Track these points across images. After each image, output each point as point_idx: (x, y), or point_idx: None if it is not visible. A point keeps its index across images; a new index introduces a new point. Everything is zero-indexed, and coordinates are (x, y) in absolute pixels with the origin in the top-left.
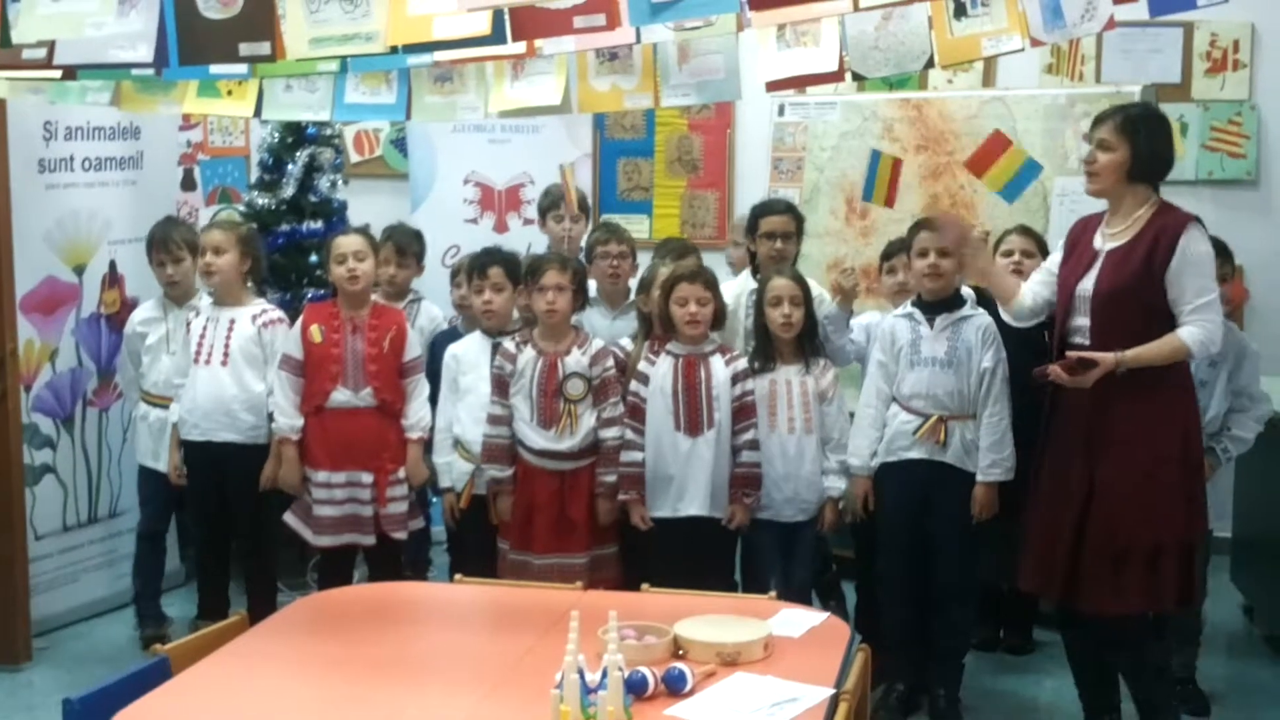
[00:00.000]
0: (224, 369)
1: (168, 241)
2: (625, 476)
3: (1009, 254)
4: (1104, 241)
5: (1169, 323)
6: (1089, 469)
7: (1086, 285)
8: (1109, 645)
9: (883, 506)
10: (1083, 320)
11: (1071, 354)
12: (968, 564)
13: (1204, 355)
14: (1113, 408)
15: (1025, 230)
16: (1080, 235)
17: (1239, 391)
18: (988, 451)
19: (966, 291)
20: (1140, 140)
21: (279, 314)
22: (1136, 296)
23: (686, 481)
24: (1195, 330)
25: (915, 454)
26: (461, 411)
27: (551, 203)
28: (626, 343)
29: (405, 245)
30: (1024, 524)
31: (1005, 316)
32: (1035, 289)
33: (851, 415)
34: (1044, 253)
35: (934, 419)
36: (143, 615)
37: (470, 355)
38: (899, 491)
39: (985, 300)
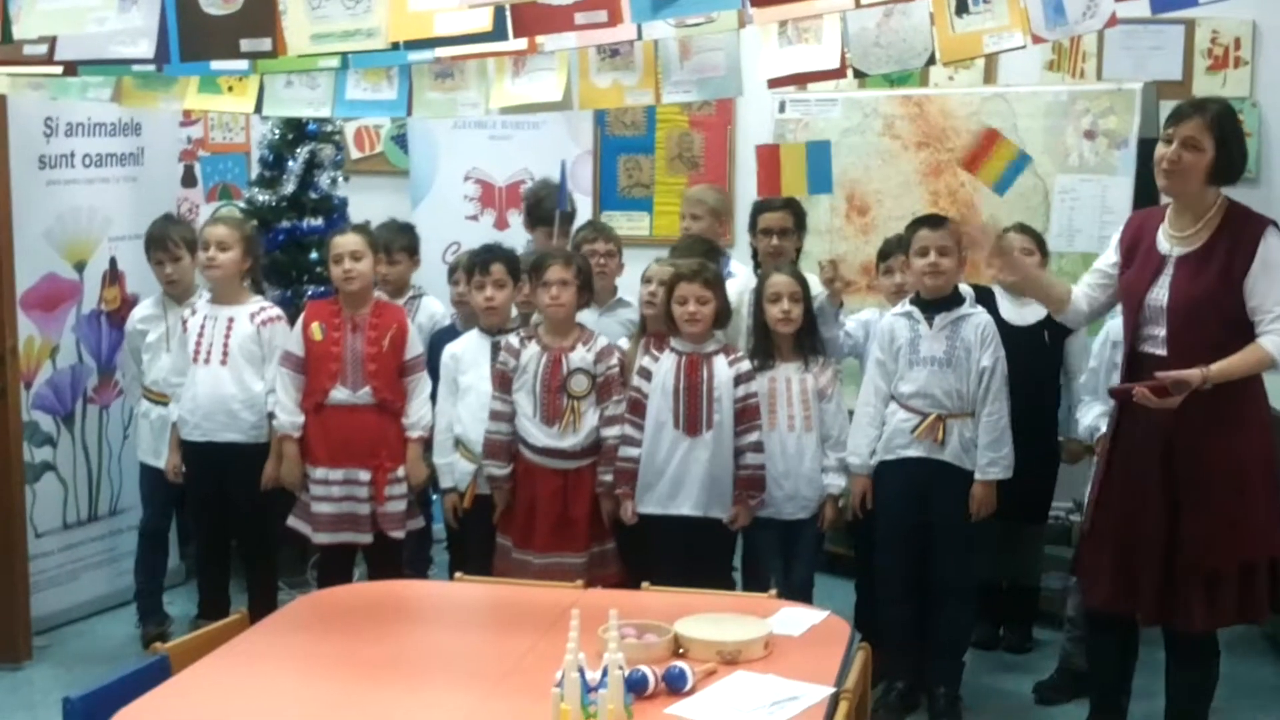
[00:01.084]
0: (223, 368)
1: (165, 240)
2: (620, 471)
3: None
4: (1171, 246)
5: (1248, 331)
6: (1171, 491)
7: (1159, 295)
8: (1183, 661)
9: (881, 504)
10: (1158, 330)
11: (1161, 375)
12: (966, 562)
13: None
14: (1193, 422)
15: (1024, 228)
16: (1139, 236)
17: None
18: (986, 450)
19: (965, 290)
20: (1229, 140)
21: (277, 312)
22: (1215, 306)
23: (681, 480)
24: (1278, 339)
25: (913, 452)
26: (462, 411)
27: (545, 215)
28: (625, 343)
29: (389, 242)
30: (1085, 541)
31: (1062, 320)
32: (1090, 293)
33: (850, 413)
34: (1043, 250)
35: (932, 417)
36: (144, 613)
37: (469, 354)
38: (897, 489)
39: (984, 298)
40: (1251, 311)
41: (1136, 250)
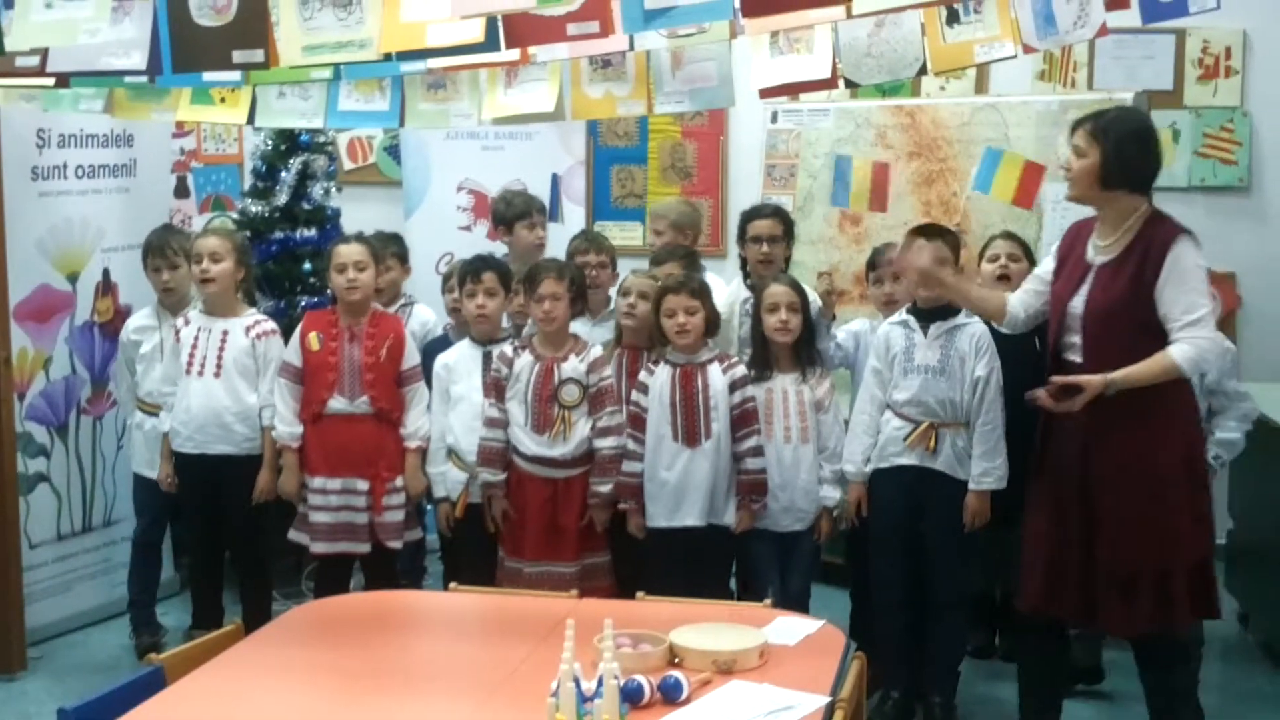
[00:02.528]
0: (217, 380)
1: (164, 248)
2: (624, 486)
3: (995, 259)
4: (1095, 255)
5: (1162, 339)
6: (1089, 494)
7: (1078, 302)
8: (1147, 663)
9: (875, 513)
10: (1075, 338)
11: (1057, 379)
12: (960, 571)
13: (1195, 374)
14: (1111, 430)
15: (1010, 236)
16: (1072, 246)
17: (1214, 390)
18: (980, 460)
19: None
20: (1110, 145)
21: (272, 325)
22: (1128, 313)
23: (684, 492)
24: (1186, 348)
25: (906, 460)
26: (453, 420)
27: (519, 212)
28: (598, 349)
29: (380, 249)
30: (1023, 542)
31: (1000, 329)
32: (1026, 299)
33: (846, 423)
34: (1030, 259)
35: (924, 426)
36: (137, 623)
37: (461, 364)
38: (890, 497)
39: None
40: (1162, 319)
41: (1068, 260)
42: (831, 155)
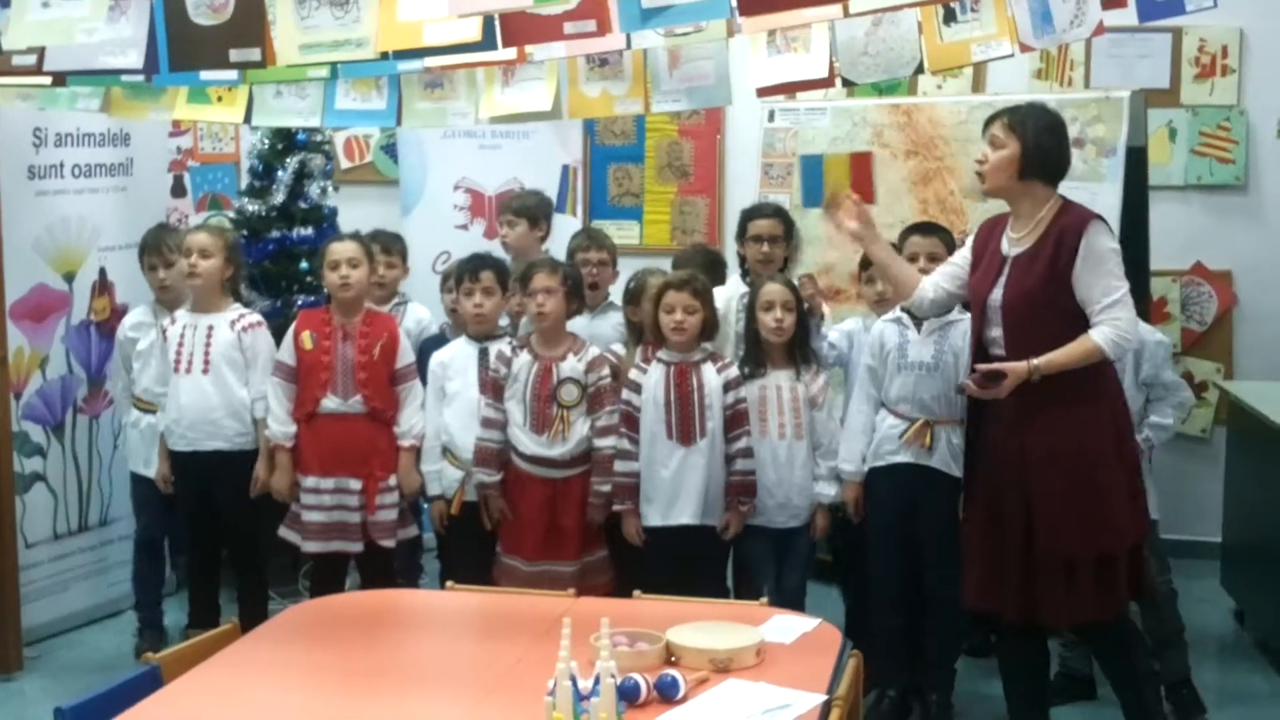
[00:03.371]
0: (205, 377)
1: (160, 245)
2: (620, 486)
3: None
4: (1010, 247)
5: (1080, 324)
6: (1024, 482)
7: (996, 295)
8: (1097, 655)
9: (872, 511)
10: (996, 331)
11: (982, 367)
12: (956, 568)
13: (1119, 354)
14: (1039, 418)
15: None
16: (987, 240)
17: (1150, 382)
18: None
19: None
20: (1029, 136)
21: (257, 317)
22: (1047, 301)
23: (679, 490)
24: (1107, 330)
25: (902, 458)
26: (449, 418)
27: (502, 209)
28: (619, 348)
29: (387, 245)
30: (964, 537)
31: (907, 307)
32: (939, 282)
33: (841, 421)
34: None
35: (920, 422)
36: (144, 623)
37: (457, 361)
38: (887, 496)
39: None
40: (1081, 304)
41: (984, 254)
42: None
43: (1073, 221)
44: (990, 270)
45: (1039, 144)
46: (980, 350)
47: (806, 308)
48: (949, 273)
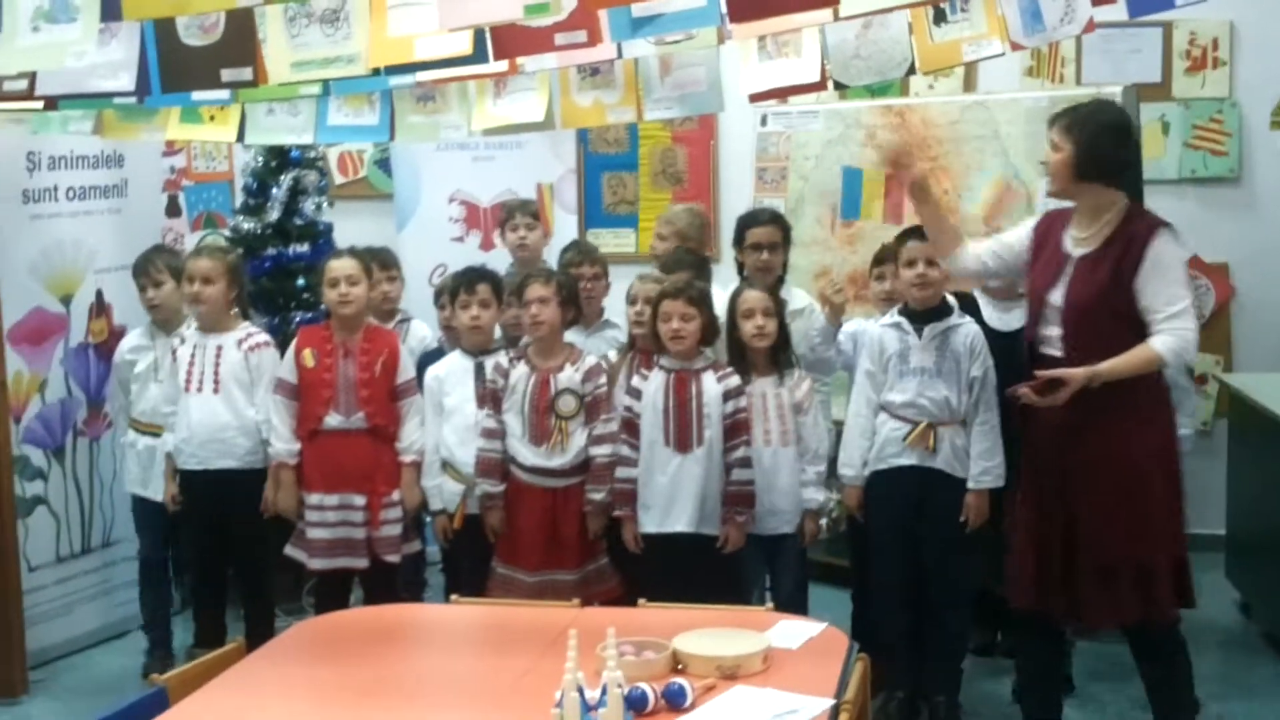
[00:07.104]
0: (216, 396)
1: (148, 267)
2: (619, 493)
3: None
4: (1073, 247)
5: (1142, 332)
6: (1067, 489)
7: (1057, 295)
8: (1142, 655)
9: (875, 514)
10: (1054, 330)
11: (1041, 373)
12: (961, 569)
13: (1179, 365)
14: (1087, 423)
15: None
16: (1047, 234)
17: (1171, 385)
18: (979, 459)
19: (951, 300)
20: (1084, 138)
21: (264, 337)
22: (1108, 306)
23: (675, 497)
24: (1169, 339)
25: (905, 461)
26: (447, 432)
27: (506, 214)
28: (612, 354)
29: (386, 260)
30: (1012, 538)
31: (944, 264)
32: (985, 256)
33: (840, 425)
34: None
35: (923, 425)
36: (154, 643)
37: (453, 375)
38: (890, 498)
39: (967, 305)
40: (1142, 311)
41: (1044, 249)
42: (834, 164)
43: (1141, 228)
44: (1050, 266)
45: (1094, 146)
46: (1032, 348)
47: (828, 313)
48: (998, 251)
